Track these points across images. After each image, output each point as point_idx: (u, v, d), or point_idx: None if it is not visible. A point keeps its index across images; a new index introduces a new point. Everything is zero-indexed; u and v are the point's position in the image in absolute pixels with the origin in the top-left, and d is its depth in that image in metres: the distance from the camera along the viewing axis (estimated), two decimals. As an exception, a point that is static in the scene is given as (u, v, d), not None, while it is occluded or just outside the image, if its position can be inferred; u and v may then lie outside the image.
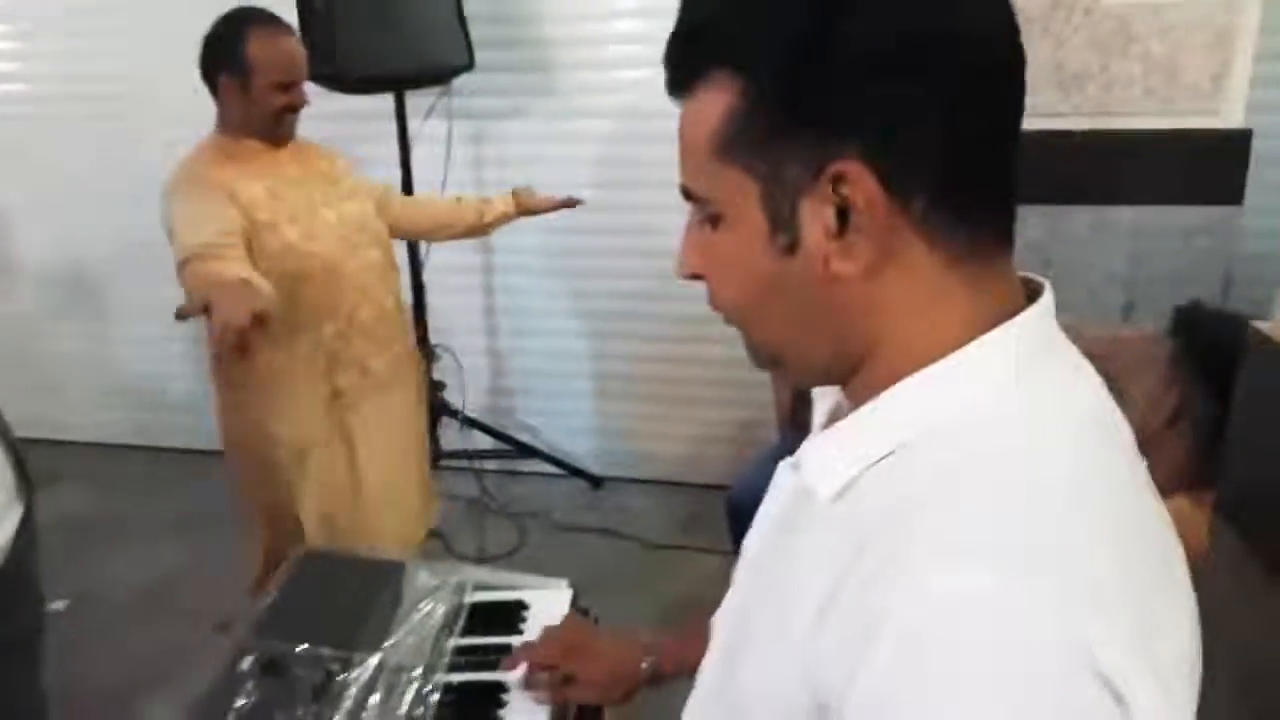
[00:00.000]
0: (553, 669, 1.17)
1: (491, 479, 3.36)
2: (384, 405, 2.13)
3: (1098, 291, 2.73)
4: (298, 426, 2.02)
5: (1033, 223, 2.73)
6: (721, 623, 0.76)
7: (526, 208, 2.41)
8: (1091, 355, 0.65)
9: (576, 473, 3.46)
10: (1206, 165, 2.66)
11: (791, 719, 0.59)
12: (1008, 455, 0.57)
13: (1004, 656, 0.50)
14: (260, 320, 1.55)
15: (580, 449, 3.53)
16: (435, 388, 3.20)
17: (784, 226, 0.59)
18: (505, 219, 2.42)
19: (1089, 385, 0.63)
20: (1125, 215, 2.77)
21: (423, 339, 3.11)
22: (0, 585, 1.53)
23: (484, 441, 3.42)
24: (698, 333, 3.03)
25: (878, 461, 0.60)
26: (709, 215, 0.63)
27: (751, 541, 0.75)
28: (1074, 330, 0.65)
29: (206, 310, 1.56)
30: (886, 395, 0.61)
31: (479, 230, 2.42)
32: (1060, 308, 0.63)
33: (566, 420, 3.54)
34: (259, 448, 2.03)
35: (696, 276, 0.67)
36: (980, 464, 0.56)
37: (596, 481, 3.47)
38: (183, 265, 1.76)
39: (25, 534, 1.62)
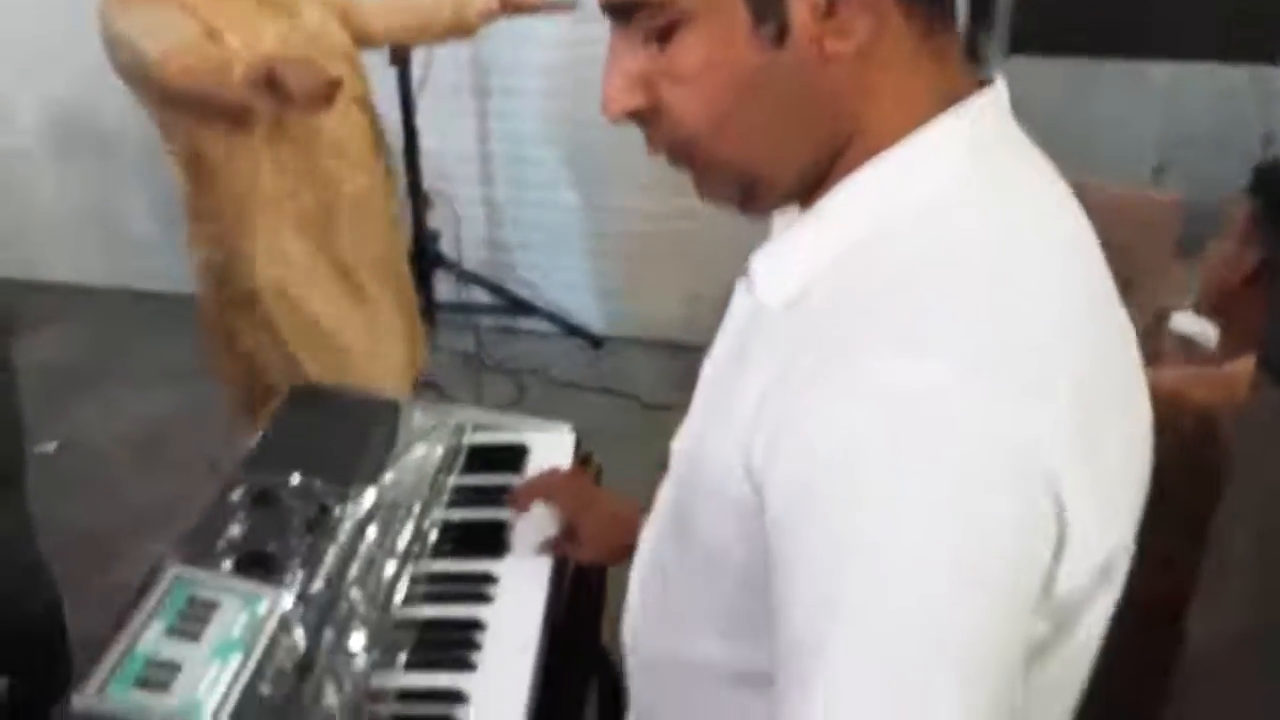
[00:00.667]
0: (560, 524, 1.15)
1: (489, 334, 3.29)
2: (362, 231, 2.02)
3: (1127, 153, 2.61)
4: (273, 247, 1.91)
5: (1059, 81, 2.60)
6: (679, 445, 0.74)
7: (512, 3, 2.21)
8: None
9: (576, 331, 3.40)
10: (1249, 19, 2.51)
11: (728, 515, 0.58)
12: (968, 245, 0.53)
13: (950, 455, 0.47)
14: (334, 86, 1.57)
15: (581, 307, 3.45)
16: (430, 238, 3.09)
17: (770, 13, 0.55)
18: (489, 16, 2.21)
19: (1065, 207, 0.60)
20: (1159, 73, 2.63)
21: (415, 184, 2.98)
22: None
23: (481, 295, 3.34)
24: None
25: (832, 262, 0.57)
26: (661, 26, 0.56)
27: (707, 366, 0.72)
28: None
29: (269, 82, 1.54)
30: (841, 186, 0.57)
31: (460, 29, 2.22)
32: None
33: (566, 276, 3.44)
34: (234, 279, 1.94)
35: (633, 115, 0.60)
36: (940, 254, 0.53)
37: (597, 341, 3.40)
38: (164, 60, 1.64)
39: (3, 372, 1.57)
